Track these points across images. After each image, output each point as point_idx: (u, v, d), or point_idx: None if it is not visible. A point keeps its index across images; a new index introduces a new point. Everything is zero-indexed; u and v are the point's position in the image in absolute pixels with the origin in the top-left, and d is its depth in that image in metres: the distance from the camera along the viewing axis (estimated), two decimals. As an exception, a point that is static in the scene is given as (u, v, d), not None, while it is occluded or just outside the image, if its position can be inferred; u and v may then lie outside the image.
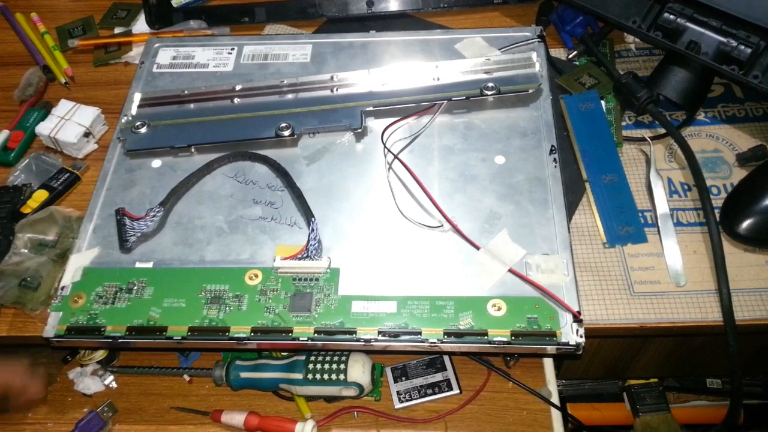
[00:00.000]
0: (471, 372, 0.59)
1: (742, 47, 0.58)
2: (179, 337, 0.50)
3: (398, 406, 0.58)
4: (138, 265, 0.54)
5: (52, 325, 0.52)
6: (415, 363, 0.60)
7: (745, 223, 0.55)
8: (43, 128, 0.66)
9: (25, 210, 0.61)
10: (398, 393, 0.58)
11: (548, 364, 0.60)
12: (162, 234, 0.56)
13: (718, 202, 0.58)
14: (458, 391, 0.58)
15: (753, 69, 0.58)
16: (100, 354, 0.60)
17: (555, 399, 0.57)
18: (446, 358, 0.60)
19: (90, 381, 0.60)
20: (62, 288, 0.54)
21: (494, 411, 0.57)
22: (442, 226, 0.55)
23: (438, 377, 0.59)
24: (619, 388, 0.86)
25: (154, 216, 0.55)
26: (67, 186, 0.64)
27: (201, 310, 0.51)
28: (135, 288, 0.53)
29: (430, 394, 0.58)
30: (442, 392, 0.58)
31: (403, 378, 0.59)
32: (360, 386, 0.54)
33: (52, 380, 0.61)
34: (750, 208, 0.55)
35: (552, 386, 0.58)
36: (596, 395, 0.87)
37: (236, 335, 0.50)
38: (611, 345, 0.67)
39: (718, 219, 0.56)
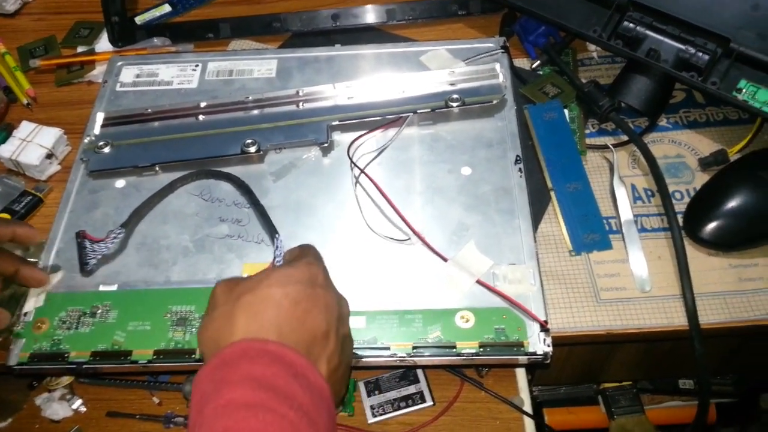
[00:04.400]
0: (444, 383, 0.59)
1: (700, 54, 0.59)
2: (145, 361, 0.50)
3: (372, 420, 0.57)
4: (102, 288, 0.54)
5: (15, 353, 0.51)
6: (387, 376, 0.60)
7: (708, 228, 0.56)
8: (4, 151, 0.65)
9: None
10: (372, 407, 0.58)
11: (521, 372, 0.60)
12: (126, 255, 0.56)
13: (681, 207, 0.59)
14: (432, 403, 0.58)
15: (711, 75, 0.59)
16: (67, 379, 0.59)
17: (528, 407, 0.57)
18: (419, 371, 0.60)
19: (58, 406, 0.59)
20: (25, 314, 0.53)
21: (468, 421, 0.57)
22: (410, 239, 0.55)
23: (411, 389, 0.59)
24: (594, 392, 0.87)
25: (114, 237, 0.54)
26: (29, 209, 0.63)
27: (167, 332, 0.51)
28: (99, 312, 0.52)
29: (404, 407, 0.58)
30: (416, 404, 0.58)
31: (376, 392, 0.59)
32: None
33: (18, 408, 0.59)
34: (712, 212, 0.56)
35: (524, 394, 0.58)
36: (572, 399, 0.88)
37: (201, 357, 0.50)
38: (581, 352, 0.67)
39: (681, 224, 0.57)
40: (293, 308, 0.39)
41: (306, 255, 0.46)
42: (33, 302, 0.53)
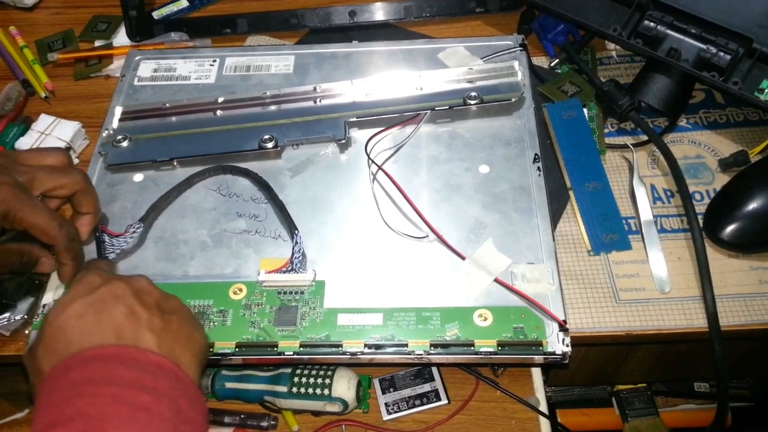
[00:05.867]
0: (459, 382, 0.59)
1: (722, 54, 0.59)
2: (163, 354, 0.50)
3: (386, 417, 0.57)
4: (120, 281, 0.54)
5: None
6: (402, 374, 0.60)
7: (729, 229, 0.55)
8: (23, 144, 0.65)
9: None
10: (386, 405, 0.58)
11: (536, 372, 0.60)
12: (144, 249, 0.56)
13: (701, 208, 0.58)
14: (447, 402, 0.58)
15: (732, 75, 0.59)
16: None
17: (543, 407, 0.57)
18: (434, 369, 0.60)
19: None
20: (44, 306, 0.53)
21: (483, 421, 0.57)
22: (427, 236, 0.55)
23: (426, 388, 0.59)
24: (607, 394, 0.86)
25: (133, 232, 0.54)
26: (47, 202, 0.63)
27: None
28: (117, 305, 0.52)
29: (419, 405, 0.58)
30: (431, 403, 0.58)
31: (391, 389, 0.59)
32: (344, 402, 0.54)
33: (34, 399, 0.60)
34: (733, 213, 0.56)
35: (540, 394, 0.58)
36: (585, 401, 0.87)
37: (221, 351, 0.50)
38: (598, 352, 0.67)
39: (701, 225, 0.56)
40: (80, 322, 0.40)
41: (80, 276, 0.45)
42: (51, 295, 0.53)
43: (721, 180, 0.60)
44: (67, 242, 0.48)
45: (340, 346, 0.50)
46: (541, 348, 0.49)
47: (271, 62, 0.69)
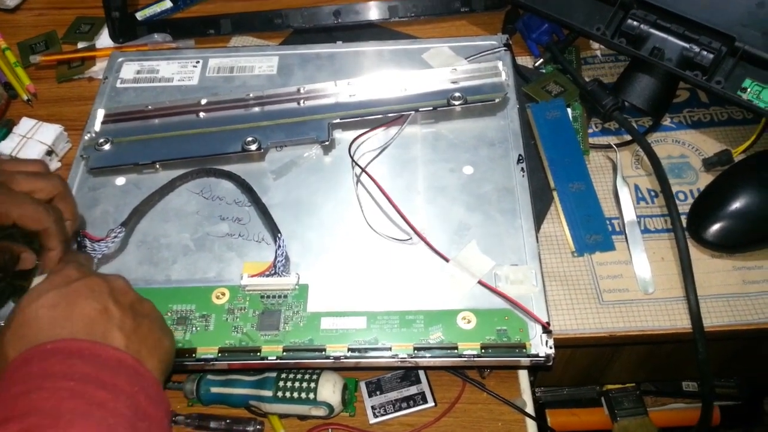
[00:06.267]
0: (446, 384, 0.59)
1: (705, 53, 0.59)
2: (144, 360, 0.49)
3: (373, 421, 0.57)
4: (101, 286, 0.53)
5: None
6: (389, 377, 0.60)
7: (712, 229, 0.55)
8: (5, 147, 0.65)
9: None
10: (373, 408, 0.58)
11: (523, 374, 0.59)
12: (126, 253, 0.55)
13: (685, 207, 0.58)
14: (433, 404, 0.58)
15: (716, 74, 0.59)
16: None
17: (530, 409, 0.57)
18: (421, 371, 0.60)
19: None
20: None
21: (469, 423, 0.57)
22: (411, 239, 0.55)
23: (413, 390, 0.59)
24: (597, 393, 0.86)
25: (115, 237, 0.54)
26: (29, 206, 0.62)
27: (167, 332, 0.50)
28: (98, 310, 0.52)
29: (405, 408, 0.58)
30: (417, 405, 0.58)
31: (378, 392, 0.59)
32: (330, 406, 0.54)
33: None
34: (716, 213, 0.56)
35: (527, 396, 0.58)
36: (574, 401, 0.87)
37: (203, 356, 0.49)
38: (583, 353, 0.67)
39: (685, 225, 0.56)
40: (52, 312, 0.40)
41: (58, 268, 0.45)
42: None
43: (705, 179, 0.60)
44: (55, 225, 0.48)
45: (324, 350, 0.50)
46: (524, 350, 0.49)
47: (255, 63, 0.69)
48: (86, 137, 0.63)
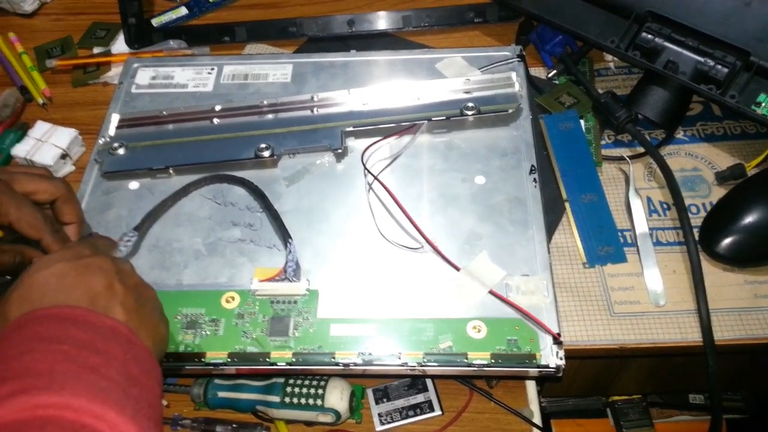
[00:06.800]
0: (453, 393, 0.59)
1: (719, 67, 0.59)
2: (155, 364, 0.49)
3: (379, 428, 0.57)
4: (114, 289, 0.53)
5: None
6: (396, 384, 0.60)
7: (724, 243, 0.55)
8: (19, 150, 0.65)
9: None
10: (380, 415, 0.58)
11: (530, 384, 0.59)
12: (138, 257, 0.56)
13: (697, 221, 0.58)
14: (440, 413, 0.58)
15: (730, 89, 0.59)
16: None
17: (537, 419, 0.57)
18: (428, 380, 0.60)
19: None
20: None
21: (476, 432, 0.57)
22: (422, 247, 0.55)
23: (420, 398, 0.59)
24: (602, 404, 0.86)
25: (128, 241, 0.54)
26: (43, 208, 0.63)
27: (177, 335, 0.51)
28: (110, 313, 0.52)
29: (412, 416, 0.58)
30: (424, 413, 0.58)
31: (385, 399, 0.59)
32: (337, 413, 0.54)
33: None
34: (729, 227, 0.56)
35: (534, 406, 0.58)
36: (580, 411, 0.87)
37: (213, 361, 0.50)
38: (592, 364, 0.67)
39: (697, 238, 0.56)
40: (61, 281, 0.40)
41: (72, 244, 0.47)
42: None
43: (718, 193, 0.60)
44: (52, 234, 0.48)
45: (333, 356, 0.50)
46: (534, 361, 0.49)
47: (269, 71, 0.69)
48: (100, 141, 0.63)
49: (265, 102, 0.64)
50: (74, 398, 0.33)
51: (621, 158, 0.63)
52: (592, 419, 0.86)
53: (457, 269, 0.53)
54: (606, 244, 0.57)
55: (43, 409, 0.33)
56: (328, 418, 0.54)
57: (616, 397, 0.84)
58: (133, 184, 0.61)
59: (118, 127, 0.64)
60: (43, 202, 0.50)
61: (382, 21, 0.76)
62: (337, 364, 0.50)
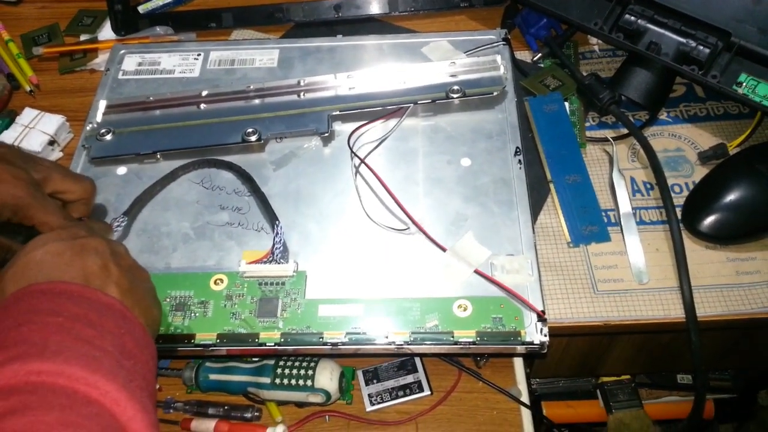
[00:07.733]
0: (442, 373, 0.60)
1: (701, 48, 0.59)
2: (144, 345, 0.50)
3: (370, 408, 0.58)
4: (102, 273, 0.54)
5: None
6: (386, 365, 0.60)
7: (707, 221, 0.56)
8: (7, 137, 0.66)
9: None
10: (370, 396, 0.58)
11: (518, 363, 0.60)
12: (127, 241, 0.56)
13: (680, 200, 0.59)
14: (429, 393, 0.58)
15: (712, 69, 0.59)
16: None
17: (525, 398, 0.58)
18: (417, 360, 0.60)
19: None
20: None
21: (465, 411, 0.58)
22: (408, 228, 0.55)
23: (409, 379, 0.59)
24: (592, 386, 0.87)
25: (117, 226, 0.54)
26: (31, 195, 0.63)
27: (166, 316, 0.51)
28: (99, 296, 0.52)
29: (402, 396, 0.58)
30: (414, 394, 0.58)
31: (375, 380, 0.59)
32: (327, 393, 0.54)
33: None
34: (711, 205, 0.56)
35: (522, 385, 0.59)
36: (570, 393, 0.88)
37: (202, 342, 0.50)
38: (579, 343, 0.68)
39: (679, 217, 0.57)
40: (57, 258, 0.41)
41: (69, 225, 0.48)
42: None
43: (701, 173, 0.61)
44: (54, 213, 0.49)
45: (321, 336, 0.50)
46: (519, 338, 0.49)
47: (256, 56, 0.70)
48: (88, 128, 0.63)
49: (252, 87, 0.64)
50: (67, 366, 0.34)
51: (605, 139, 0.63)
52: (582, 401, 0.87)
53: (444, 250, 0.54)
54: (590, 223, 0.58)
55: (36, 375, 0.33)
56: (318, 399, 0.55)
57: (606, 379, 0.85)
58: (121, 170, 0.61)
59: (105, 113, 0.64)
60: (68, 201, 0.52)
61: (368, 6, 0.77)
62: (325, 344, 0.50)
